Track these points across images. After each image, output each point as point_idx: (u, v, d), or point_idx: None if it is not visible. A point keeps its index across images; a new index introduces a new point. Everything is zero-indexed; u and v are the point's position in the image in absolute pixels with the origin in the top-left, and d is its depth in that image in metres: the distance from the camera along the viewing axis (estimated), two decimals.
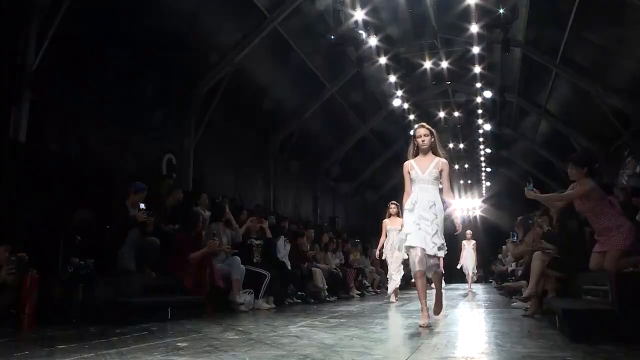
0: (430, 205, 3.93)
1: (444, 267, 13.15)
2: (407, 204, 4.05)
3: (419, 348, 2.88)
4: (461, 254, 12.95)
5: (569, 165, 4.44)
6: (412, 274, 4.00)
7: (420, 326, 3.85)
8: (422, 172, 4.05)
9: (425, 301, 4.04)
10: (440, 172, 4.05)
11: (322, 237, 10.25)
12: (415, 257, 3.88)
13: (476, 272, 13.81)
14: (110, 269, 4.88)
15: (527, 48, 10.66)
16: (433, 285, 4.34)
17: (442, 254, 3.95)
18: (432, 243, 3.86)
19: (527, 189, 4.54)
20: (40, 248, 4.65)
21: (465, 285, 13.56)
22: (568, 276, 4.90)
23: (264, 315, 5.49)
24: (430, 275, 4.06)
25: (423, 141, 4.09)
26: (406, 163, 4.17)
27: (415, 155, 4.17)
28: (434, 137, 4.15)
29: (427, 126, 4.20)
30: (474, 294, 11.07)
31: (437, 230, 3.90)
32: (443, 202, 4.05)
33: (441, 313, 4.46)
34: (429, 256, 3.89)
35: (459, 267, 13.13)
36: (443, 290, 4.67)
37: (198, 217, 6.07)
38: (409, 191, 4.12)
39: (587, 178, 4.28)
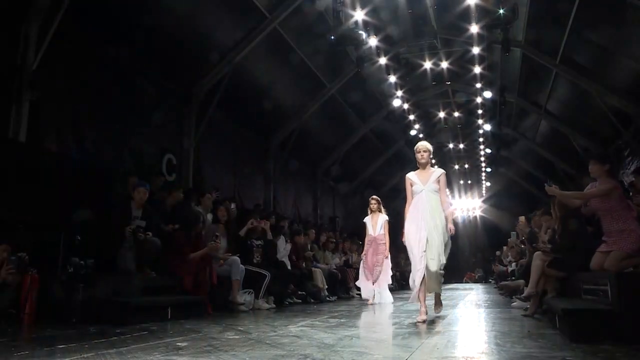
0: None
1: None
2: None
3: (419, 348, 2.88)
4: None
5: (590, 162, 4.40)
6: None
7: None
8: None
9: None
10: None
11: (322, 237, 10.25)
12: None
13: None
14: (110, 269, 4.88)
15: (527, 48, 10.65)
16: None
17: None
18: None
19: (547, 184, 4.64)
20: (40, 248, 4.65)
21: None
22: (568, 276, 4.89)
23: (264, 315, 5.49)
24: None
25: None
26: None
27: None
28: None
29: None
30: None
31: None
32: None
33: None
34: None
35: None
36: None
37: (198, 217, 6.07)
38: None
39: (608, 177, 4.25)
